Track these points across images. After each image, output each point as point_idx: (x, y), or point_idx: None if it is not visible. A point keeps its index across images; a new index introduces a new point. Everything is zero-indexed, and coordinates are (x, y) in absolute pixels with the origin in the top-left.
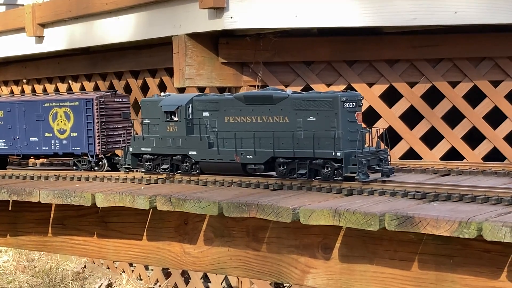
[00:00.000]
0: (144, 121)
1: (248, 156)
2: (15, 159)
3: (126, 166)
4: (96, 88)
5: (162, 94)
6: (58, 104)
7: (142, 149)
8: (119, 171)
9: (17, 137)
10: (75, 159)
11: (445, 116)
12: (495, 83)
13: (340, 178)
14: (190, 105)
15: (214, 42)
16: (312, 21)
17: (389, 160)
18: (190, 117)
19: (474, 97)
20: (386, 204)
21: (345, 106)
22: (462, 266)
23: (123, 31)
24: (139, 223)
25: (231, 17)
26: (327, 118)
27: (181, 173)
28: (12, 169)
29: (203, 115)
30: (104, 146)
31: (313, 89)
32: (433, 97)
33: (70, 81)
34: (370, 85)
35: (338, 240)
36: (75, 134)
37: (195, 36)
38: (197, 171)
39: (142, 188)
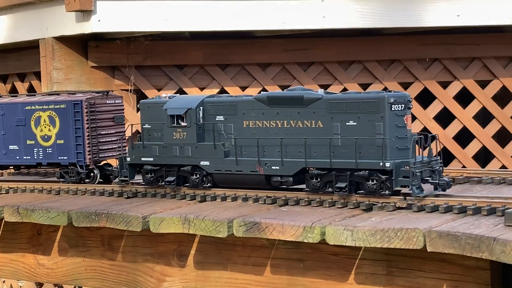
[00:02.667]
0: (144, 126)
1: (274, 167)
2: None
3: (123, 178)
4: None
5: (164, 95)
6: (42, 107)
7: (143, 159)
8: (113, 183)
9: None
10: (61, 170)
11: None
12: (364, 86)
13: (388, 192)
14: (201, 107)
15: (83, 45)
16: (183, 25)
17: (442, 170)
18: (201, 121)
19: None
20: (236, 210)
21: (393, 109)
22: (312, 270)
23: None
24: None
25: (99, 20)
26: (371, 122)
27: (189, 186)
28: None
29: (217, 119)
30: (95, 155)
31: (186, 93)
32: None
33: None
34: (243, 88)
35: (193, 247)
36: (62, 141)
37: (63, 39)
38: (209, 184)
39: None
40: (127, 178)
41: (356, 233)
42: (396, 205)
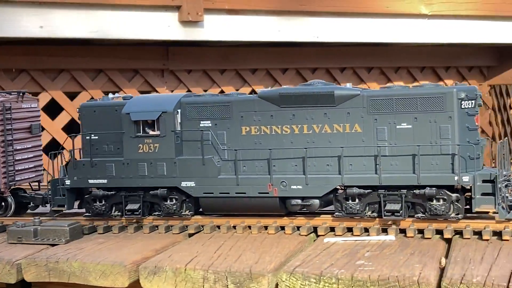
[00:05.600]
0: (91, 137)
1: (293, 187)
2: None
3: (56, 208)
4: None
5: (111, 95)
6: None
7: (91, 181)
8: (35, 213)
9: None
10: None
11: None
12: None
13: (459, 215)
14: (179, 110)
15: None
16: None
17: None
18: (180, 128)
19: None
20: None
21: (463, 106)
22: None
23: None
24: None
25: None
26: (435, 124)
27: (161, 215)
28: None
29: (202, 125)
30: (11, 178)
31: None
32: None
33: None
34: None
35: None
36: None
37: None
38: (190, 212)
39: None
40: (62, 208)
41: None
42: None
